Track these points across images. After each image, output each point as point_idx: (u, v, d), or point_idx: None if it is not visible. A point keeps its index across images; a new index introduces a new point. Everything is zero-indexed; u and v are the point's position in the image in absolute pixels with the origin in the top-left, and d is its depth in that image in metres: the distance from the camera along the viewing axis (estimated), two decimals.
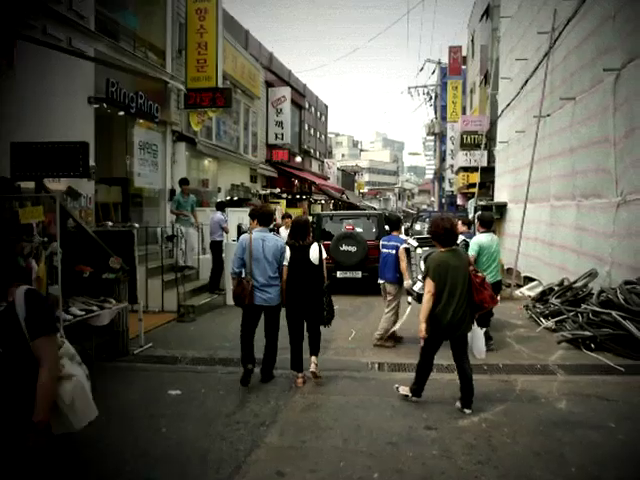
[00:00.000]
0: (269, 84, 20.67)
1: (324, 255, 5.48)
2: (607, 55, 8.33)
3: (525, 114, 13.45)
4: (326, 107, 49.58)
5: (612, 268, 8.01)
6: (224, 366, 6.19)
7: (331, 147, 60.62)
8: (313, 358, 5.51)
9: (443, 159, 35.92)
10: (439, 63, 36.88)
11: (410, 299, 6.56)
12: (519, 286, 12.18)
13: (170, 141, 12.16)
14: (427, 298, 4.56)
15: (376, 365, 6.22)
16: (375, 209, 57.40)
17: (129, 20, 10.77)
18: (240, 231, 10.45)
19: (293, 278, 5.39)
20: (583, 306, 7.45)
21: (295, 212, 20.93)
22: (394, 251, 6.91)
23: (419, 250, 6.73)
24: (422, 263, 6.49)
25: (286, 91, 20.93)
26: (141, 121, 10.99)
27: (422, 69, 46.74)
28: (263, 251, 5.31)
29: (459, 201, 26.92)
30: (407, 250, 6.69)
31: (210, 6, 12.29)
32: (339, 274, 11.19)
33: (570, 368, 5.97)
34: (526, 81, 12.62)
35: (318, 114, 46.14)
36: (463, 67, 32.39)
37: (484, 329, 6.17)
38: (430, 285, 4.57)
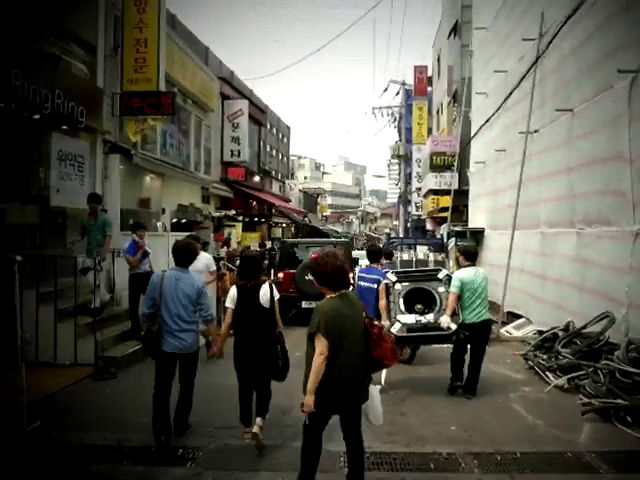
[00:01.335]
0: (225, 97, 19.00)
1: (276, 296, 4.85)
2: (616, 57, 7.01)
3: (506, 131, 12.19)
4: (288, 128, 48.44)
5: (630, 310, 6.58)
6: (133, 464, 4.33)
7: (293, 169, 59.35)
8: (258, 420, 4.64)
9: (408, 182, 34.91)
10: (403, 84, 36.10)
11: None
12: (504, 323, 10.73)
13: (101, 152, 10.27)
14: (319, 362, 3.39)
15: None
16: (338, 232, 56.22)
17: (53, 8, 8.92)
18: None
19: (240, 324, 4.77)
20: (604, 361, 5.95)
21: (252, 237, 19.18)
22: (375, 285, 6.36)
23: (398, 286, 6.34)
24: (401, 301, 6.25)
25: (243, 104, 19.28)
26: (64, 127, 9.12)
27: (386, 90, 46.27)
28: (176, 292, 4.73)
29: (428, 226, 25.69)
30: (387, 286, 6.27)
31: None
32: (304, 304, 10.64)
33: (614, 459, 4.36)
34: (509, 94, 11.35)
35: (280, 135, 44.98)
36: (429, 88, 31.61)
37: None
38: (322, 345, 3.41)
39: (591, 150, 7.75)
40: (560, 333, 7.54)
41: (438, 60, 28.38)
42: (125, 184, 11.28)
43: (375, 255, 6.91)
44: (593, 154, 7.69)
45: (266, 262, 14.26)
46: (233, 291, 4.83)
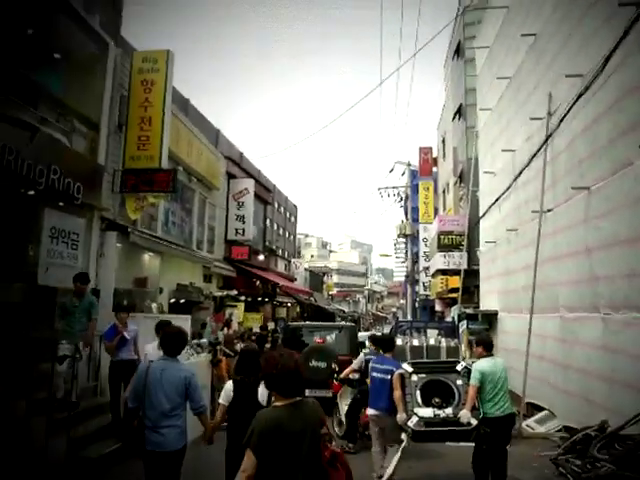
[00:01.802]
0: (231, 175, 19.02)
1: None
2: (635, 132, 6.70)
3: (516, 210, 11.82)
4: (295, 207, 48.93)
5: None
6: None
7: (300, 248, 59.36)
8: None
9: (415, 261, 34.43)
10: (409, 165, 36.52)
11: (404, 436, 6.00)
12: (525, 416, 9.81)
13: (97, 229, 9.92)
14: None
15: None
16: (344, 312, 55.19)
17: (52, 84, 8.90)
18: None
19: (235, 423, 4.48)
20: None
21: (255, 317, 18.50)
22: (388, 376, 6.08)
23: (414, 377, 6.12)
24: (418, 393, 5.99)
25: (249, 183, 19.28)
26: (59, 203, 8.81)
27: (392, 170, 47.47)
28: (161, 383, 4.41)
29: (437, 307, 24.88)
30: (402, 376, 6.01)
31: (158, 78, 10.67)
32: (307, 392, 9.46)
33: None
34: (519, 174, 11.07)
35: (287, 214, 45.31)
36: (434, 169, 31.89)
37: None
38: (248, 462, 2.84)
39: (612, 230, 7.27)
40: (593, 434, 6.69)
41: (443, 141, 28.78)
42: (121, 262, 10.84)
43: (387, 344, 6.66)
44: (615, 234, 7.20)
45: (268, 346, 13.50)
46: (229, 386, 4.62)
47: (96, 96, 10.20)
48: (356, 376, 8.19)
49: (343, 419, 8.40)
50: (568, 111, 8.49)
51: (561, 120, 8.85)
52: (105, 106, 10.30)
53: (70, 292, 8.64)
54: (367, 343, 8.93)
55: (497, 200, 12.89)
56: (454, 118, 23.84)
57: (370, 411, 6.30)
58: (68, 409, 6.45)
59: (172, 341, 4.61)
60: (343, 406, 8.49)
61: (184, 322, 9.74)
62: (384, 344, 6.71)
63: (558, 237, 9.29)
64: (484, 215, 14.70)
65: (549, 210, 9.62)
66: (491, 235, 14.14)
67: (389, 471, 5.90)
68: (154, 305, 10.83)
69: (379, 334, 9.41)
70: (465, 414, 5.71)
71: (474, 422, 5.67)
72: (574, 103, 8.21)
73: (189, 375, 4.55)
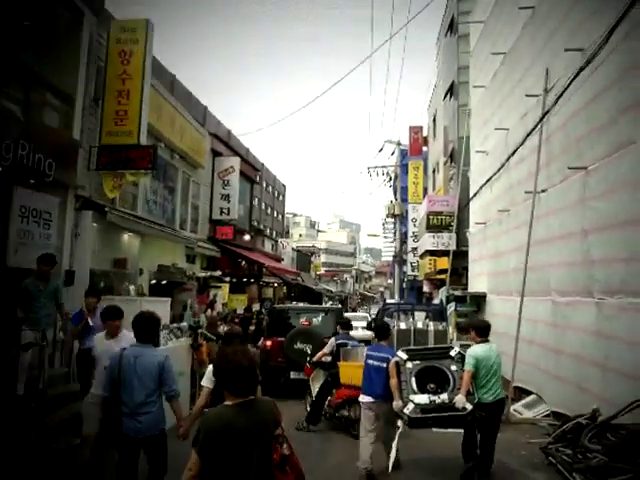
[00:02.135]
0: (217, 153, 18.48)
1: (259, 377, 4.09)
2: (637, 110, 6.37)
3: (508, 191, 11.51)
4: (284, 186, 48.49)
5: None
6: None
7: (288, 227, 58.97)
8: None
9: (404, 242, 34.19)
10: (399, 144, 36.04)
11: (400, 423, 6.09)
12: (513, 400, 9.65)
13: (72, 209, 9.46)
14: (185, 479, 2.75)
15: None
16: (332, 292, 55.05)
17: (22, 54, 8.34)
18: None
19: (218, 404, 4.02)
20: None
21: (240, 299, 18.17)
22: (384, 364, 6.12)
23: (409, 364, 6.11)
24: (413, 380, 5.99)
25: (235, 161, 18.74)
26: (30, 181, 8.33)
27: (381, 150, 46.80)
28: (135, 371, 4.41)
29: (425, 288, 24.74)
30: (397, 364, 6.05)
31: (137, 49, 10.09)
32: (292, 375, 10.16)
33: None
34: (512, 153, 10.73)
35: (276, 193, 44.91)
36: (424, 148, 31.49)
37: None
38: (193, 461, 2.75)
39: (611, 211, 6.97)
40: (584, 422, 6.49)
41: (434, 120, 28.34)
42: (98, 243, 10.41)
43: (383, 332, 6.64)
44: (614, 216, 6.90)
45: (252, 328, 13.20)
46: (212, 369, 4.39)
47: (70, 68, 9.65)
48: (328, 359, 8.30)
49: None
50: (567, 87, 8.12)
51: (559, 97, 8.48)
52: (80, 78, 9.77)
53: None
54: (338, 327, 8.96)
55: (489, 180, 12.57)
56: (445, 96, 23.37)
57: (365, 398, 6.27)
58: (35, 399, 6.09)
59: (144, 327, 4.55)
60: (315, 388, 8.49)
61: (163, 305, 9.42)
62: (379, 332, 6.66)
63: (552, 218, 9.01)
64: (475, 195, 14.40)
65: (543, 191, 9.32)
66: (481, 216, 13.85)
67: (391, 461, 6.05)
68: (132, 287, 10.43)
69: (346, 318, 9.50)
70: (460, 399, 5.73)
71: (469, 407, 5.70)
72: (574, 78, 7.83)
73: (162, 359, 4.53)
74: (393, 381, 5.99)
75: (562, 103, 8.54)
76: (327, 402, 8.11)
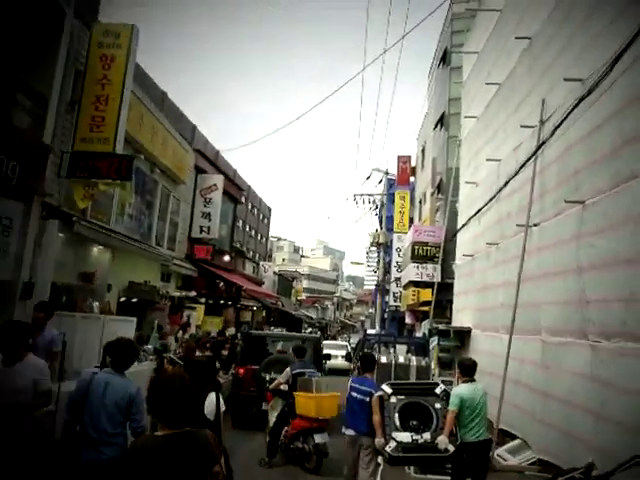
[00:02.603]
0: (200, 170, 17.97)
1: (222, 408, 4.44)
2: None
3: (498, 223, 11.14)
4: (269, 210, 48.07)
5: None
6: None
7: (272, 251, 58.35)
8: None
9: (387, 271, 33.78)
10: (386, 173, 35.94)
11: (380, 459, 5.98)
12: (497, 444, 9.10)
13: (37, 217, 8.82)
14: None
15: None
16: (312, 318, 54.23)
17: None
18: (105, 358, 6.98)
19: None
20: None
21: (215, 321, 17.46)
22: (368, 398, 5.90)
23: (393, 399, 5.96)
24: (397, 415, 5.88)
25: (218, 179, 18.23)
26: None
27: (369, 177, 46.84)
28: (103, 398, 4.13)
29: (408, 319, 24.18)
30: (380, 398, 5.87)
31: (119, 54, 9.64)
32: (264, 406, 9.17)
33: None
34: (504, 184, 10.38)
35: (261, 216, 44.47)
36: (412, 179, 31.37)
37: None
38: None
39: (610, 249, 6.56)
40: (577, 476, 5.92)
41: (422, 151, 28.27)
42: (64, 254, 9.75)
43: (368, 363, 6.39)
44: (613, 253, 6.49)
45: (225, 353, 12.53)
46: None
47: (47, 68, 9.14)
48: (285, 387, 7.96)
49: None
50: (565, 117, 7.79)
51: (556, 128, 8.15)
52: (57, 80, 9.24)
53: None
54: (293, 356, 8.56)
55: (478, 212, 12.20)
56: (435, 127, 23.29)
57: (348, 431, 6.11)
58: None
59: (121, 354, 4.30)
60: (272, 418, 8.13)
61: (128, 325, 8.76)
62: (365, 363, 6.43)
63: (544, 254, 8.59)
64: (463, 227, 14.02)
65: (536, 224, 8.93)
66: (469, 248, 13.46)
67: None
68: (96, 304, 9.72)
69: (301, 345, 8.86)
70: (443, 440, 5.61)
71: (451, 449, 5.58)
72: (573, 109, 7.51)
73: (133, 392, 4.23)
74: (376, 418, 5.78)
75: (559, 134, 8.21)
76: (283, 433, 7.77)
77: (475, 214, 12.48)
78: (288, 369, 8.05)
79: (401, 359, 9.39)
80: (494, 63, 12.57)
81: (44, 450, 5.86)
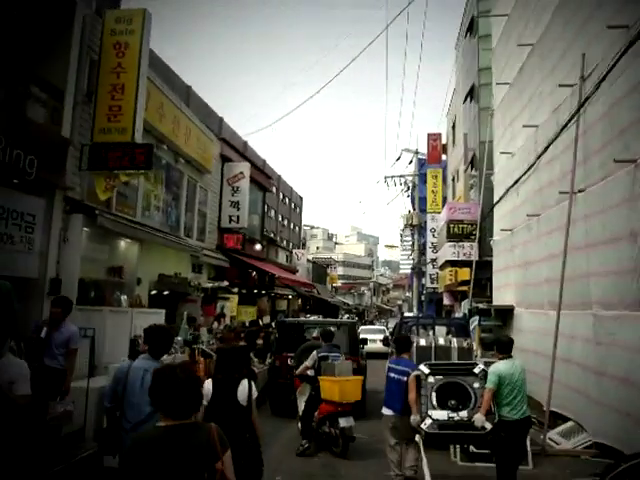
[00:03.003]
0: (226, 159, 17.72)
1: (255, 394, 4.45)
2: None
3: (539, 193, 10.49)
4: (301, 198, 47.88)
5: None
6: None
7: (305, 239, 58.20)
8: None
9: (422, 253, 33.09)
10: (416, 153, 35.11)
11: (417, 438, 6.05)
12: (540, 423, 8.61)
13: (60, 211, 8.68)
14: None
15: None
16: (349, 305, 53.93)
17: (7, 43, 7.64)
18: (134, 347, 6.80)
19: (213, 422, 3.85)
20: None
21: (249, 311, 17.28)
22: (404, 378, 6.06)
23: (431, 379, 6.00)
24: (434, 395, 5.94)
25: (245, 167, 17.92)
26: (15, 181, 7.58)
27: (399, 158, 46.42)
28: (142, 385, 3.99)
29: (446, 300, 23.54)
30: (417, 378, 5.97)
31: (133, 40, 9.34)
32: None
33: None
34: (546, 148, 9.71)
35: (293, 205, 44.32)
36: (443, 157, 30.52)
37: None
38: None
39: None
40: None
41: (453, 127, 27.42)
42: (90, 249, 9.60)
43: (403, 345, 6.55)
44: None
45: (260, 342, 12.29)
46: (208, 385, 4.38)
47: (61, 60, 8.95)
48: (312, 373, 7.91)
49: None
50: (610, 70, 7.11)
51: (600, 81, 7.47)
52: (71, 71, 9.04)
53: (20, 280, 7.40)
54: (320, 340, 8.43)
55: (516, 182, 11.53)
56: (465, 100, 22.43)
57: (386, 411, 6.23)
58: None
59: (157, 339, 4.27)
60: (301, 403, 8.15)
61: (157, 317, 8.56)
62: (400, 345, 6.59)
63: (592, 221, 7.96)
64: (500, 200, 13.35)
65: (581, 190, 8.29)
66: (507, 222, 12.81)
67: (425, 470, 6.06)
68: (124, 297, 9.55)
69: (329, 329, 8.83)
70: (479, 418, 5.59)
71: (488, 426, 5.57)
72: (619, 59, 6.83)
73: None
74: (411, 395, 5.89)
75: (604, 89, 7.54)
76: (313, 418, 7.68)
77: (513, 185, 11.82)
78: (314, 353, 7.97)
79: (441, 341, 8.90)
80: (525, 24, 11.83)
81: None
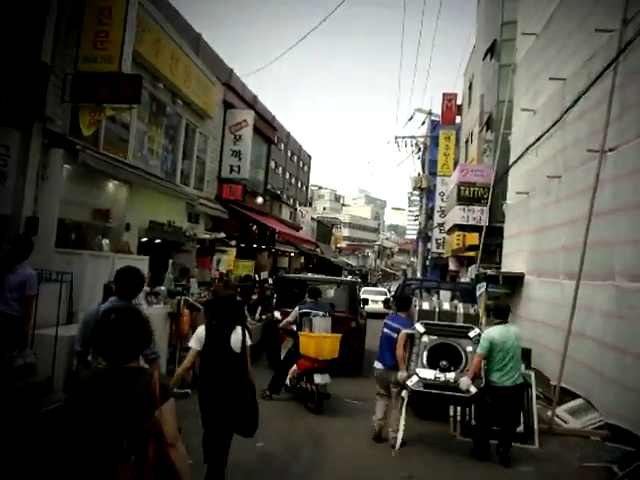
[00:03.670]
0: (229, 105, 16.78)
1: (248, 342, 4.45)
2: None
3: (562, 153, 9.65)
4: (309, 157, 46.83)
5: None
6: None
7: (312, 199, 57.35)
8: None
9: (429, 217, 32.28)
10: (430, 114, 33.83)
11: (404, 393, 6.05)
12: (546, 399, 8.09)
13: (38, 145, 7.93)
14: None
15: None
16: (352, 266, 53.46)
17: None
18: (108, 293, 6.19)
19: (206, 370, 4.38)
20: None
21: (247, 265, 16.68)
22: (396, 335, 6.24)
23: (425, 338, 6.18)
24: (425, 354, 6.07)
25: (248, 115, 16.97)
26: None
27: (411, 118, 45.32)
28: None
29: (451, 266, 22.87)
30: (411, 336, 6.18)
31: None
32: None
33: None
34: (574, 102, 8.82)
35: (301, 163, 43.43)
36: (457, 119, 29.31)
37: None
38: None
39: None
40: None
41: (470, 87, 26.17)
42: (74, 189, 8.90)
43: (402, 303, 6.84)
44: None
45: (254, 297, 11.73)
46: (201, 330, 4.46)
47: None
48: (293, 327, 7.96)
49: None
50: None
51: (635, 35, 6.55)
52: None
53: None
54: (305, 295, 8.37)
55: (538, 139, 10.65)
56: (485, 57, 21.19)
57: (376, 364, 6.44)
58: None
59: (126, 280, 4.14)
60: (282, 356, 8.27)
61: (140, 264, 7.90)
62: (400, 303, 6.87)
63: (622, 184, 7.17)
64: (518, 160, 12.48)
65: (612, 149, 7.46)
66: (523, 185, 11.98)
67: (399, 435, 5.94)
68: (105, 242, 8.88)
69: (316, 287, 8.69)
70: (465, 381, 5.69)
71: (473, 390, 5.66)
72: None
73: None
74: (399, 351, 6.06)
75: None
76: (291, 372, 7.81)
77: (534, 143, 10.94)
78: (296, 308, 8.00)
79: (446, 306, 8.24)
80: None
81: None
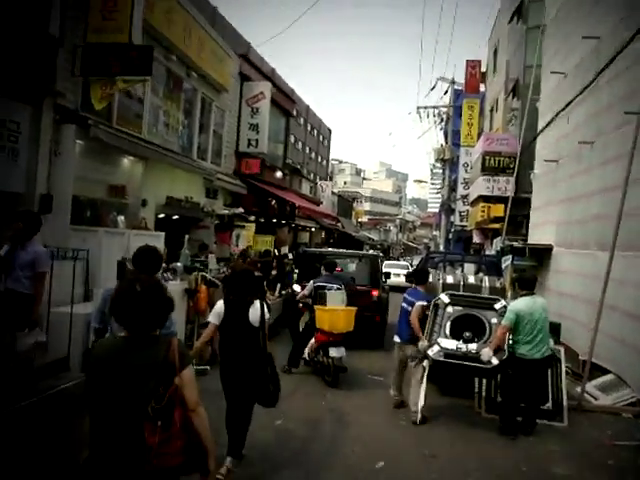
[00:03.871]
0: (246, 77, 16.42)
1: (267, 316, 4.51)
2: None
3: (595, 117, 9.13)
4: (329, 131, 46.26)
5: None
6: None
7: (332, 173, 56.84)
8: (228, 461, 4.21)
9: (453, 189, 31.62)
10: (453, 83, 32.88)
11: (425, 363, 6.03)
12: (575, 375, 7.80)
13: (49, 121, 7.76)
14: None
15: None
16: (374, 240, 53.11)
17: None
18: (122, 270, 6.07)
19: (226, 343, 4.47)
20: None
21: (266, 240, 16.52)
22: (411, 308, 6.24)
23: (450, 309, 6.14)
24: (449, 324, 6.05)
25: (265, 87, 16.57)
26: None
27: (434, 87, 44.26)
28: None
29: (475, 238, 22.37)
30: (435, 306, 6.17)
31: None
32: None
33: None
34: (610, 60, 8.28)
35: (321, 137, 42.92)
36: (481, 87, 28.39)
37: None
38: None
39: None
40: None
41: (495, 53, 25.22)
42: (88, 166, 8.75)
43: (420, 276, 6.75)
44: None
45: (274, 273, 11.57)
46: (220, 305, 4.49)
47: None
48: (309, 301, 7.87)
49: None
50: None
51: None
52: None
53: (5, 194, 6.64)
54: (321, 268, 8.21)
55: (569, 103, 10.11)
56: (511, 20, 20.30)
57: (395, 338, 6.52)
58: None
59: (144, 260, 4.05)
60: (301, 329, 8.28)
61: (155, 239, 7.80)
62: (417, 276, 6.78)
63: None
64: (547, 126, 11.93)
65: None
66: (552, 153, 11.46)
67: (420, 403, 5.92)
68: (120, 218, 8.75)
69: (332, 260, 8.52)
70: (487, 352, 5.58)
71: (495, 362, 5.56)
72: None
73: None
74: (413, 322, 6.08)
75: None
76: (309, 345, 7.81)
77: (564, 108, 10.40)
78: (311, 282, 7.95)
79: (471, 279, 7.99)
80: None
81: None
